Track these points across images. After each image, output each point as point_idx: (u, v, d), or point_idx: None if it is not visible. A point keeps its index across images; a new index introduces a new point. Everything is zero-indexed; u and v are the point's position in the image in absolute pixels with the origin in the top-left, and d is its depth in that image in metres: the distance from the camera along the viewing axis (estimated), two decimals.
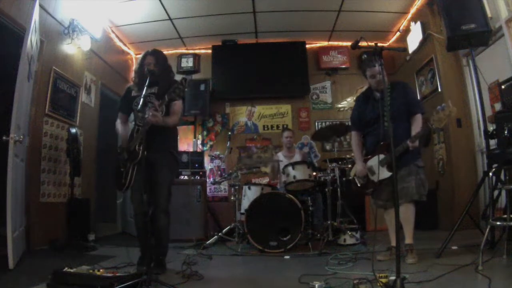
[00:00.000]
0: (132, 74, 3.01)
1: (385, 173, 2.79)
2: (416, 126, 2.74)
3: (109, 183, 2.94)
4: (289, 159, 4.50)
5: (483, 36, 3.23)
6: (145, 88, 2.44)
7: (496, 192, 2.77)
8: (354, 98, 3.27)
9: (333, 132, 4.08)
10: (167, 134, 2.70)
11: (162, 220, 2.62)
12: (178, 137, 2.95)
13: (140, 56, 2.85)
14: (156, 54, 2.74)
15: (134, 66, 6.03)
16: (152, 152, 2.50)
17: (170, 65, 2.86)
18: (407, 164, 2.77)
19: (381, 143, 2.83)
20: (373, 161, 2.87)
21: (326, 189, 3.82)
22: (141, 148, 2.41)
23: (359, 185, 3.06)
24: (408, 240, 2.74)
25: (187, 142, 6.03)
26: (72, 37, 4.29)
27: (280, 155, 4.69)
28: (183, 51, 6.23)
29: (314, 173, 3.91)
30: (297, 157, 4.53)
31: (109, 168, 2.90)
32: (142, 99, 2.37)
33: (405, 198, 2.73)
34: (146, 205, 2.38)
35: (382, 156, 2.79)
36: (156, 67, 2.67)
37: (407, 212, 2.74)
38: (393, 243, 2.79)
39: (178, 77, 2.61)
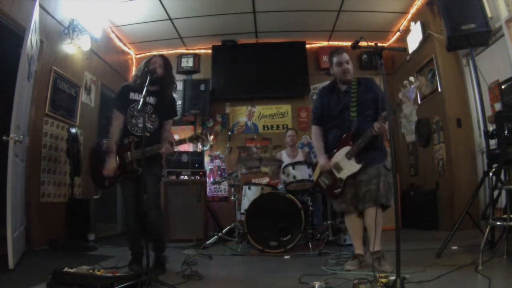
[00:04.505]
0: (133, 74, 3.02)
1: (353, 167, 2.57)
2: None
3: None
4: (293, 158, 4.54)
5: (483, 36, 3.23)
6: (145, 88, 2.39)
7: (496, 192, 2.77)
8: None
9: None
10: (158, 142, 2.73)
11: (154, 214, 2.59)
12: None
13: (139, 56, 2.88)
14: (163, 58, 2.80)
15: (134, 67, 6.10)
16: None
17: (174, 75, 2.92)
18: (375, 163, 2.56)
19: (346, 134, 2.63)
20: (339, 156, 2.65)
21: None
22: (136, 165, 2.56)
23: (324, 186, 2.79)
24: (377, 247, 2.50)
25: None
26: (72, 37, 4.29)
27: (283, 154, 4.73)
28: (183, 51, 6.23)
29: None
30: (300, 157, 4.59)
31: None
32: (142, 99, 2.32)
33: (372, 202, 2.50)
34: (139, 207, 2.50)
35: (348, 148, 2.60)
36: (160, 70, 2.72)
37: (376, 216, 2.45)
38: (358, 251, 2.66)
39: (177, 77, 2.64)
